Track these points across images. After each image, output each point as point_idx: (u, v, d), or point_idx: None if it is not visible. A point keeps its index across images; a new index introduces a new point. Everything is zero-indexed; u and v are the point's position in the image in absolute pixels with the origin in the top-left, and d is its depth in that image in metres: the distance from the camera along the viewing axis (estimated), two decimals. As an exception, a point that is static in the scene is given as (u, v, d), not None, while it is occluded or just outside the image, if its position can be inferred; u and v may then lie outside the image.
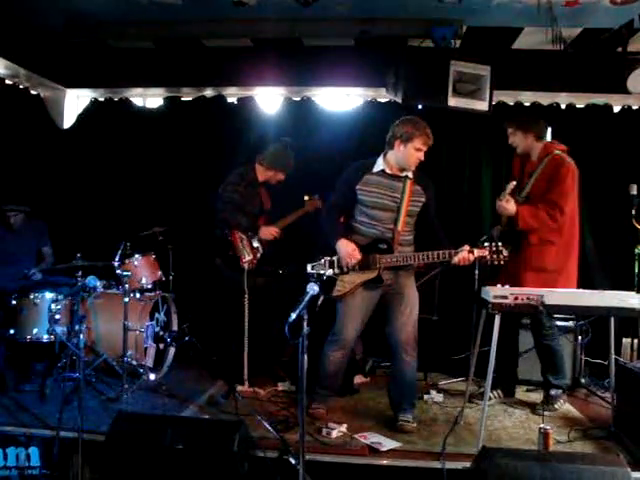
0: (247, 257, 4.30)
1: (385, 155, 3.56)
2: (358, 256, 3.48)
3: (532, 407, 4.01)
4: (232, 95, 5.71)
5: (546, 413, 3.76)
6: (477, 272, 4.37)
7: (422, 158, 3.50)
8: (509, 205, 3.71)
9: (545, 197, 3.78)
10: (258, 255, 4.43)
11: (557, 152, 3.94)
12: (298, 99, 5.59)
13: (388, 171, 3.54)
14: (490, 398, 3.97)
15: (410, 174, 3.55)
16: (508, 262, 3.58)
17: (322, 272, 3.59)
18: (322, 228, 3.70)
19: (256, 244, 4.45)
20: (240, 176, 4.46)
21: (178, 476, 2.79)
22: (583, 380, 4.53)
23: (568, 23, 4.36)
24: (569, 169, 3.86)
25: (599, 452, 3.22)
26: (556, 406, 3.95)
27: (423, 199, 3.58)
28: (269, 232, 4.48)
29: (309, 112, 5.52)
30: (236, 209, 4.36)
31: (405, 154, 3.46)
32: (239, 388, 3.96)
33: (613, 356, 3.59)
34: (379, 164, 3.56)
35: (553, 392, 3.99)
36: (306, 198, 4.61)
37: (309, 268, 3.65)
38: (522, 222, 3.74)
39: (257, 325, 4.59)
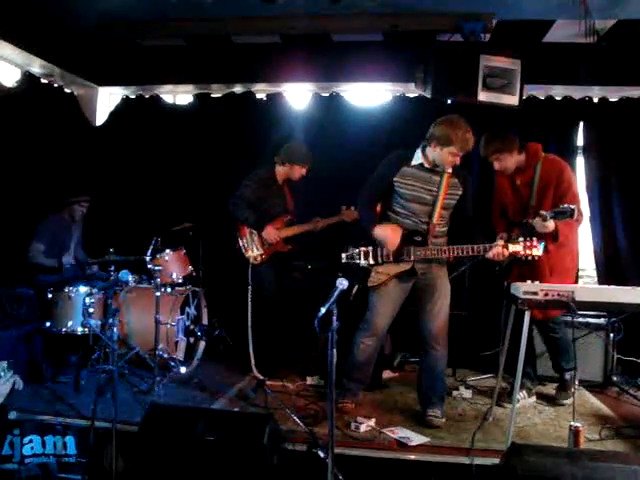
0: (254, 252, 4.39)
1: (424, 149, 3.54)
2: (397, 240, 3.48)
3: (552, 402, 4.00)
4: (261, 91, 5.74)
5: (578, 407, 3.70)
6: (497, 268, 4.33)
7: (458, 162, 3.49)
8: (549, 223, 3.63)
9: (563, 203, 3.64)
10: (270, 251, 4.45)
11: (544, 154, 3.92)
12: (327, 95, 5.59)
13: (426, 165, 3.53)
14: (517, 400, 3.94)
15: (448, 168, 3.54)
16: (526, 269, 3.66)
17: (357, 262, 3.62)
18: (359, 219, 3.74)
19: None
20: (256, 175, 4.48)
21: (209, 467, 2.84)
22: (615, 378, 4.46)
23: (602, 15, 4.27)
24: (570, 171, 3.90)
25: (631, 451, 3.18)
26: (573, 389, 3.95)
27: (460, 192, 3.58)
28: (270, 235, 4.41)
29: (338, 108, 5.52)
30: (246, 205, 4.38)
31: (440, 156, 3.44)
32: (269, 382, 4.00)
33: (646, 354, 3.54)
34: (417, 157, 3.54)
35: (567, 376, 4.00)
36: (343, 208, 4.55)
37: (344, 258, 3.69)
38: (562, 236, 3.69)
39: (288, 319, 4.65)
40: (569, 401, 3.86)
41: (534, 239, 3.34)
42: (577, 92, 5.24)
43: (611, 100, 5.21)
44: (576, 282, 3.92)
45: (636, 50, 4.86)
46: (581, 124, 5.22)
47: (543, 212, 3.55)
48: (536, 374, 4.23)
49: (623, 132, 5.04)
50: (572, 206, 3.43)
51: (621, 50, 4.86)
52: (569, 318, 4.34)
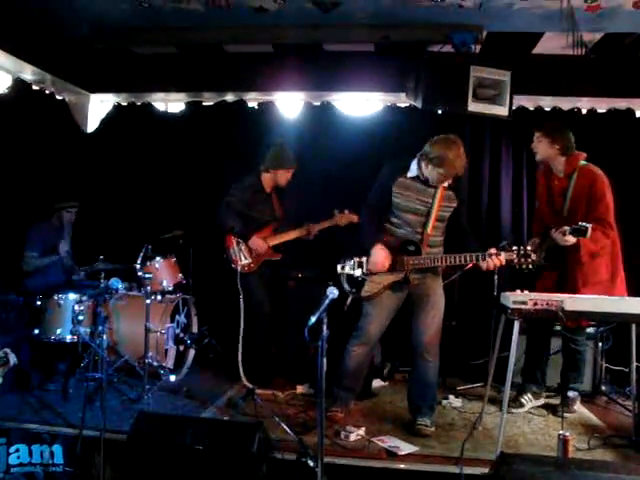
0: (243, 261, 4.40)
1: (419, 162, 3.54)
2: (385, 267, 3.51)
3: (551, 413, 4.00)
4: (253, 100, 5.75)
5: (567, 416, 3.75)
6: (497, 277, 4.38)
7: (450, 181, 3.52)
8: (569, 238, 3.62)
9: (592, 216, 3.70)
10: (259, 259, 4.45)
11: (582, 163, 3.91)
12: (318, 104, 5.62)
13: (422, 177, 3.54)
14: (523, 404, 4.00)
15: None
16: (559, 279, 3.79)
17: (351, 272, 3.64)
18: (359, 229, 3.75)
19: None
20: (243, 183, 4.49)
21: (198, 476, 2.83)
22: (604, 387, 4.49)
23: (589, 28, 4.35)
24: (604, 181, 3.86)
25: (620, 460, 3.19)
26: (575, 407, 4.02)
27: (454, 204, 3.59)
28: (257, 245, 4.43)
29: (329, 117, 5.54)
30: (233, 214, 4.39)
31: (432, 175, 3.46)
32: (258, 391, 3.99)
33: (635, 363, 3.55)
34: (413, 169, 3.56)
35: (571, 394, 4.03)
36: (336, 212, 4.56)
37: (339, 268, 3.70)
38: (585, 248, 3.71)
39: (280, 328, 4.65)
40: (571, 415, 3.92)
41: (528, 248, 3.31)
42: (566, 103, 5.29)
43: (599, 111, 5.27)
44: (617, 295, 3.80)
45: (623, 62, 4.93)
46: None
47: (565, 227, 3.59)
48: (544, 378, 4.21)
49: (611, 142, 5.09)
50: (588, 225, 3.45)
51: (609, 62, 4.92)
52: (591, 330, 4.45)
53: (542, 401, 4.13)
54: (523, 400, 4.02)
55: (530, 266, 3.32)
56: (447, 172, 3.41)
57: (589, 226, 3.45)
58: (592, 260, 3.81)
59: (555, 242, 3.72)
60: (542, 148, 3.97)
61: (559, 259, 3.83)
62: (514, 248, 3.34)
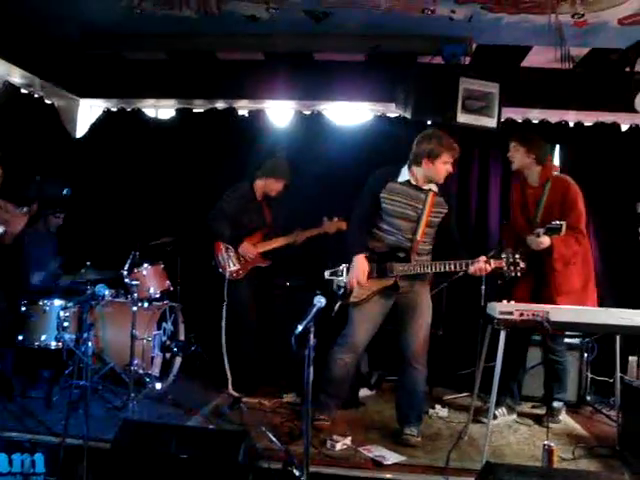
0: (232, 267, 4.40)
1: (410, 167, 3.56)
2: (362, 280, 3.52)
3: (537, 423, 4.02)
4: (243, 108, 5.76)
5: (552, 426, 3.77)
6: (484, 287, 4.40)
7: (451, 170, 3.54)
8: (544, 239, 3.70)
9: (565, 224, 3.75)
10: (248, 266, 4.46)
11: (555, 174, 4.00)
12: (308, 113, 5.64)
13: (413, 182, 3.56)
14: (496, 416, 3.97)
15: (434, 187, 3.57)
16: (534, 286, 3.81)
17: (340, 279, 3.64)
18: (346, 237, 3.76)
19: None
20: (237, 189, 4.51)
21: (182, 485, 2.80)
22: (588, 397, 4.52)
23: (577, 42, 4.42)
24: (576, 191, 3.92)
25: (604, 470, 3.21)
26: (560, 417, 4.05)
27: (445, 210, 3.61)
28: (248, 251, 4.46)
29: (319, 126, 5.56)
30: (224, 219, 4.40)
31: (435, 170, 3.48)
32: (245, 399, 3.97)
33: (619, 374, 3.58)
34: (404, 174, 3.57)
35: (556, 404, 4.06)
36: (325, 219, 4.58)
37: (327, 274, 3.71)
38: (557, 253, 3.76)
39: (267, 336, 4.64)
40: (556, 425, 3.96)
41: (517, 256, 3.34)
42: (553, 116, 5.35)
43: (586, 124, 5.34)
44: (589, 303, 3.87)
45: (609, 77, 5.00)
46: (557, 147, 5.33)
47: (538, 229, 3.65)
48: (520, 392, 4.24)
49: (597, 155, 5.16)
50: (561, 222, 3.52)
51: (595, 77, 4.99)
52: (576, 341, 4.48)
53: (515, 416, 4.13)
54: (496, 412, 3.99)
55: (518, 274, 3.35)
56: (449, 156, 3.46)
57: (563, 223, 3.52)
58: (565, 268, 3.85)
59: (530, 248, 3.75)
60: (518, 157, 4.03)
61: (533, 268, 3.85)
62: (503, 256, 3.37)
